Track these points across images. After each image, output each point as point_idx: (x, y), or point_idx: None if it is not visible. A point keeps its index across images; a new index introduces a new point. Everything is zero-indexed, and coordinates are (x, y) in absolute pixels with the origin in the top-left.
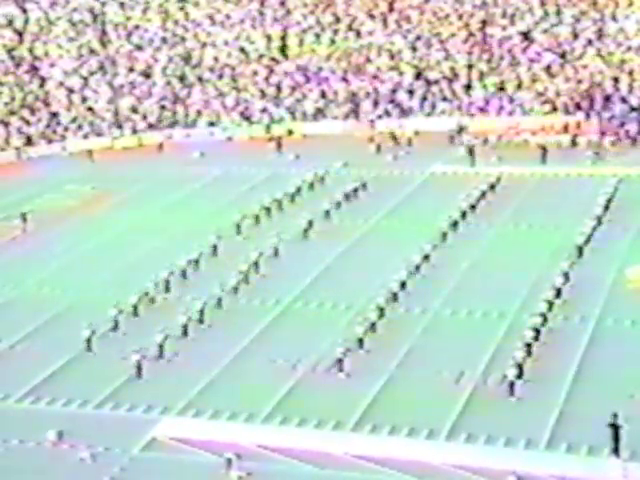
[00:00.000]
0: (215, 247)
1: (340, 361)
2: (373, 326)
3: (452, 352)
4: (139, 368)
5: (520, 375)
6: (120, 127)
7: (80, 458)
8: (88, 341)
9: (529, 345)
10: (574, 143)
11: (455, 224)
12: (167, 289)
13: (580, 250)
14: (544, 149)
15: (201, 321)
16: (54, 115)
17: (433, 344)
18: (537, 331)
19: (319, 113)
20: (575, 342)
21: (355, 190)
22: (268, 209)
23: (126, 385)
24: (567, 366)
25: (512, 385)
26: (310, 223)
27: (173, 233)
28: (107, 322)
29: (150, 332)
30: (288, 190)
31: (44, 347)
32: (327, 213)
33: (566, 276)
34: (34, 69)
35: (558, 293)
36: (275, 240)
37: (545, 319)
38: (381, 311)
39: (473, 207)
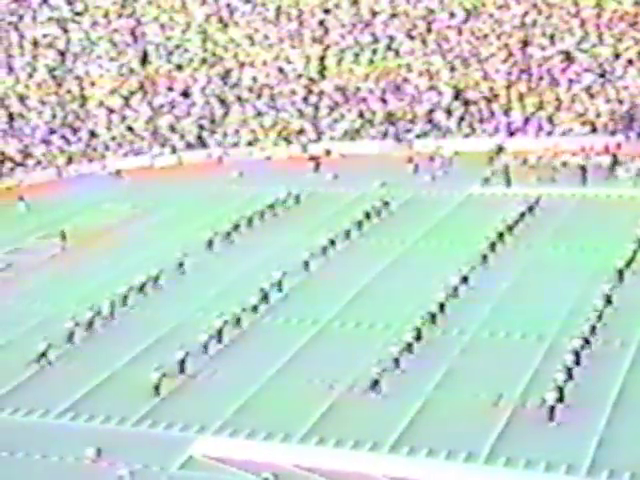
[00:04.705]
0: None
1: (376, 382)
2: (410, 347)
3: (490, 374)
4: (157, 387)
5: (561, 399)
6: (162, 145)
7: (119, 475)
8: (43, 354)
9: (569, 369)
10: (615, 164)
11: (493, 246)
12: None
13: (620, 273)
14: (584, 170)
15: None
16: (94, 134)
17: (471, 366)
18: (577, 354)
19: (357, 133)
20: (616, 366)
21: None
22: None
23: (163, 403)
24: (608, 390)
25: (552, 409)
26: (348, 242)
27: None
28: (145, 339)
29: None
30: (326, 208)
31: (83, 364)
32: (365, 233)
33: (607, 299)
34: (81, 89)
35: (599, 316)
36: (311, 259)
37: (585, 342)
38: (419, 332)
39: (511, 229)
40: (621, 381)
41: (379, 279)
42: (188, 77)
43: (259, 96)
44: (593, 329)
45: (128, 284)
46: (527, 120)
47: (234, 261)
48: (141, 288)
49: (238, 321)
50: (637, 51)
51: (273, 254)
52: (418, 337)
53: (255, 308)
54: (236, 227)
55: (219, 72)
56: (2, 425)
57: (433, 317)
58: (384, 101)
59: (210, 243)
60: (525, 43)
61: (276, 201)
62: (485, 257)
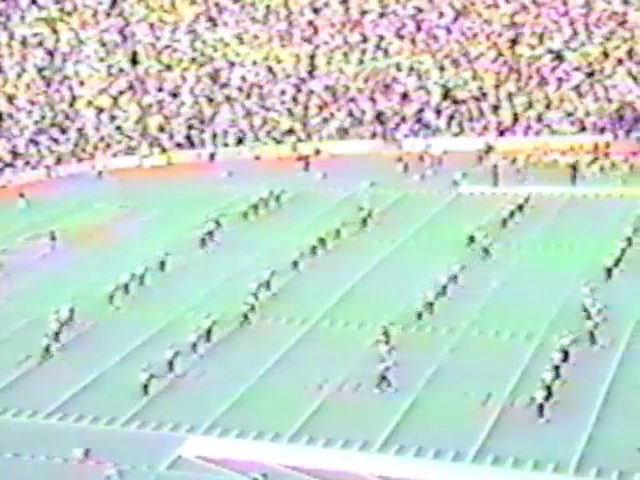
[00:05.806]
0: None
1: (384, 378)
2: (398, 345)
3: (479, 373)
4: (146, 386)
5: (549, 397)
6: (152, 145)
7: (106, 475)
8: (47, 349)
9: (557, 367)
10: (603, 163)
11: (483, 245)
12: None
13: (609, 272)
14: (574, 169)
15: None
16: (83, 134)
17: (460, 365)
18: (566, 353)
19: (346, 132)
20: (605, 364)
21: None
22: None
23: (152, 403)
24: (597, 389)
25: (541, 407)
26: (338, 242)
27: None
28: (134, 339)
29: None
30: (315, 208)
31: (72, 364)
32: (355, 232)
33: (595, 298)
34: (70, 89)
35: (587, 315)
36: (300, 258)
37: (574, 341)
38: (386, 335)
39: (501, 227)
40: (610, 379)
41: (369, 278)
42: (177, 77)
43: (248, 96)
44: (596, 325)
45: (115, 284)
46: (516, 119)
47: (223, 261)
48: (126, 287)
49: (245, 317)
50: (626, 50)
51: (262, 254)
52: (408, 335)
53: (252, 307)
54: (225, 227)
55: (208, 72)
56: None
57: (421, 315)
58: (373, 100)
59: (200, 242)
60: (514, 42)
61: (264, 201)
62: (475, 256)
